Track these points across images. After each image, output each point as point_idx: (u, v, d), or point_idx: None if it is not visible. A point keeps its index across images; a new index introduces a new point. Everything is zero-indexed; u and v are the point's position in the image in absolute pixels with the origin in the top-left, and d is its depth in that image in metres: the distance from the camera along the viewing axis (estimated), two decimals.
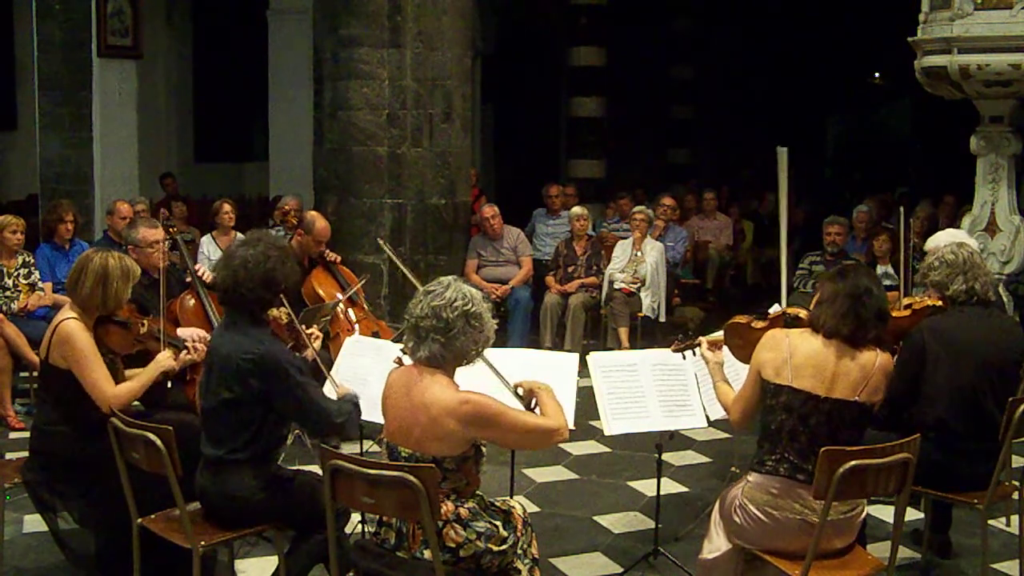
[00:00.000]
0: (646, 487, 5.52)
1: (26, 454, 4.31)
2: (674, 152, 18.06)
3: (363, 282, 6.70)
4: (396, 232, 8.32)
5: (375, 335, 6.14)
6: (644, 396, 4.35)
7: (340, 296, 6.46)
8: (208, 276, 5.68)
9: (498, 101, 15.73)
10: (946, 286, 4.26)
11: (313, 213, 6.92)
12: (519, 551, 3.33)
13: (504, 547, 3.26)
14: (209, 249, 8.16)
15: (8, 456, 5.52)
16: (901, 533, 3.58)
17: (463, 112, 8.61)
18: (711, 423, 4.47)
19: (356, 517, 4.28)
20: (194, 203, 11.88)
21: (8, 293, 6.89)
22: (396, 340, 4.58)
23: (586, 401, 4.53)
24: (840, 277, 3.60)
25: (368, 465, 3.14)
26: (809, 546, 3.33)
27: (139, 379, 4.18)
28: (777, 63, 18.36)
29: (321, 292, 6.41)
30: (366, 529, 3.37)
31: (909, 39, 7.52)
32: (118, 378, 4.18)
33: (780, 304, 4.99)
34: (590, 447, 6.29)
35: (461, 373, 3.32)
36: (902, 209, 6.22)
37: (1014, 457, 4.91)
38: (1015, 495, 4.34)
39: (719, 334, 4.12)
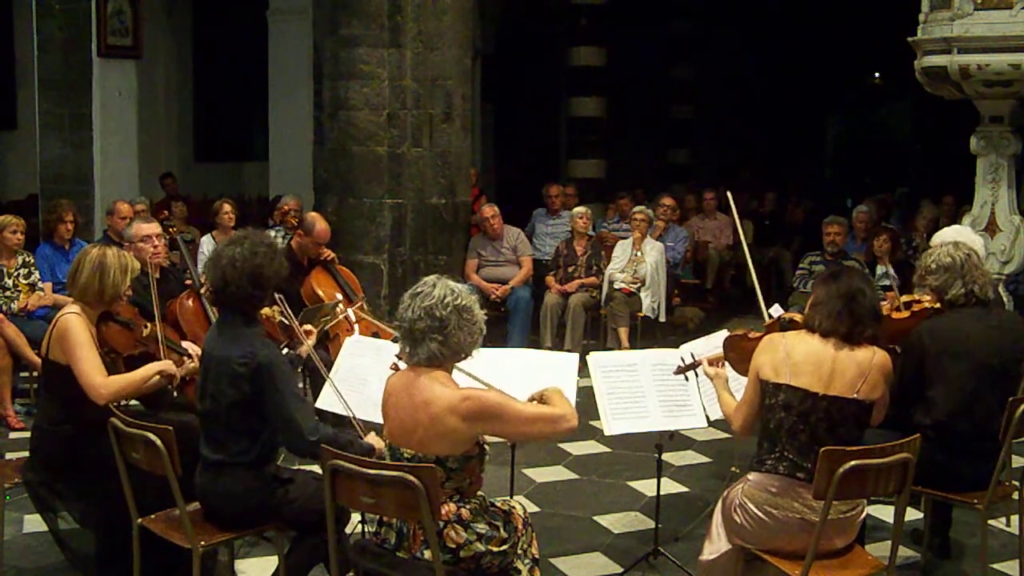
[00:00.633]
0: (646, 487, 5.52)
1: (26, 454, 4.31)
2: (674, 152, 18.06)
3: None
4: (396, 232, 8.32)
5: (375, 335, 6.14)
6: (644, 396, 4.35)
7: (339, 296, 6.45)
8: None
9: (498, 101, 15.72)
10: (945, 291, 4.26)
11: (313, 214, 6.91)
12: (519, 551, 3.33)
13: (504, 548, 3.26)
14: (209, 249, 8.16)
15: (8, 456, 5.52)
16: (901, 533, 3.58)
17: (463, 112, 8.61)
18: (711, 423, 4.47)
19: (356, 517, 4.28)
20: (194, 203, 11.88)
21: (8, 293, 6.89)
22: (396, 340, 4.58)
23: (586, 401, 4.52)
24: (832, 279, 3.61)
25: (368, 465, 3.14)
26: (809, 545, 3.33)
27: (133, 374, 4.17)
28: (777, 63, 18.37)
29: (320, 292, 6.41)
30: (366, 529, 3.36)
31: (909, 39, 7.52)
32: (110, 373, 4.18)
33: (762, 306, 4.98)
34: (590, 447, 6.29)
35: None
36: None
37: (1014, 457, 4.91)
38: (1015, 495, 4.34)
39: (719, 351, 4.10)
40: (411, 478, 3.01)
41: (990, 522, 4.48)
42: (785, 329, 3.76)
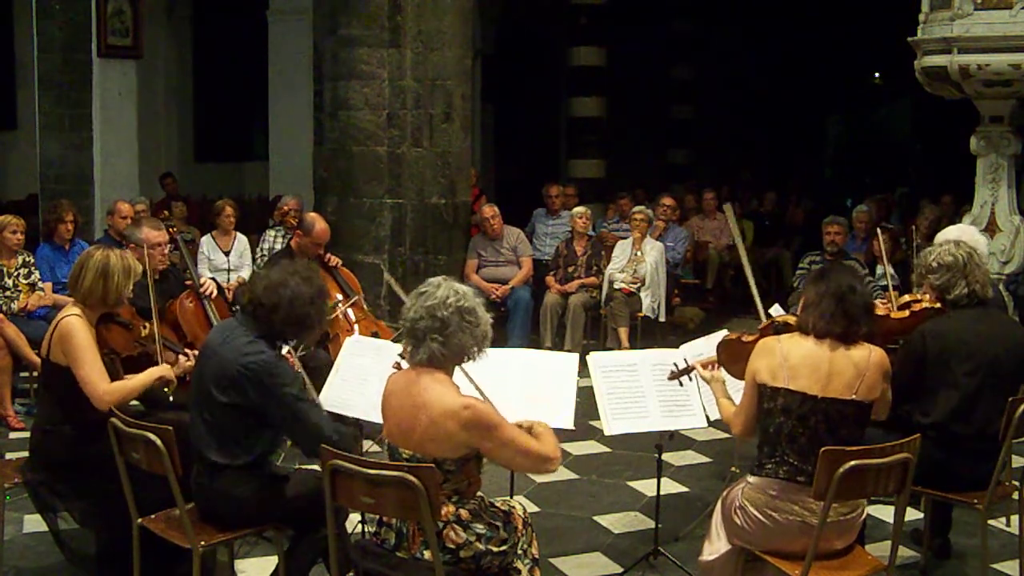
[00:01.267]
0: (646, 487, 5.52)
1: (26, 454, 4.31)
2: (674, 152, 18.07)
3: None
4: (396, 232, 8.32)
5: (375, 335, 6.15)
6: (644, 396, 4.35)
7: (339, 296, 6.46)
8: (212, 288, 5.68)
9: (498, 101, 15.73)
10: (947, 290, 4.24)
11: (313, 215, 6.92)
12: (519, 551, 3.33)
13: (504, 548, 3.26)
14: (209, 249, 8.17)
15: (8, 456, 5.51)
16: (901, 533, 3.58)
17: (463, 112, 8.61)
18: (711, 423, 4.47)
19: (356, 517, 4.28)
20: (194, 203, 11.89)
21: (8, 293, 6.89)
22: (396, 340, 4.58)
23: (586, 401, 4.52)
24: (822, 279, 3.59)
25: (368, 465, 3.13)
26: (809, 547, 3.33)
27: (135, 381, 4.17)
28: (777, 63, 18.37)
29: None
30: (366, 529, 3.36)
31: (909, 39, 7.53)
32: (116, 378, 4.18)
33: (759, 308, 4.98)
34: (590, 447, 6.29)
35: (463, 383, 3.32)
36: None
37: (1014, 457, 4.91)
38: (1015, 495, 4.35)
39: (712, 355, 4.09)
40: (411, 478, 3.01)
41: (990, 522, 4.48)
42: (779, 332, 3.73)
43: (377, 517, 3.29)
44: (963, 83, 7.27)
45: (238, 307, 3.93)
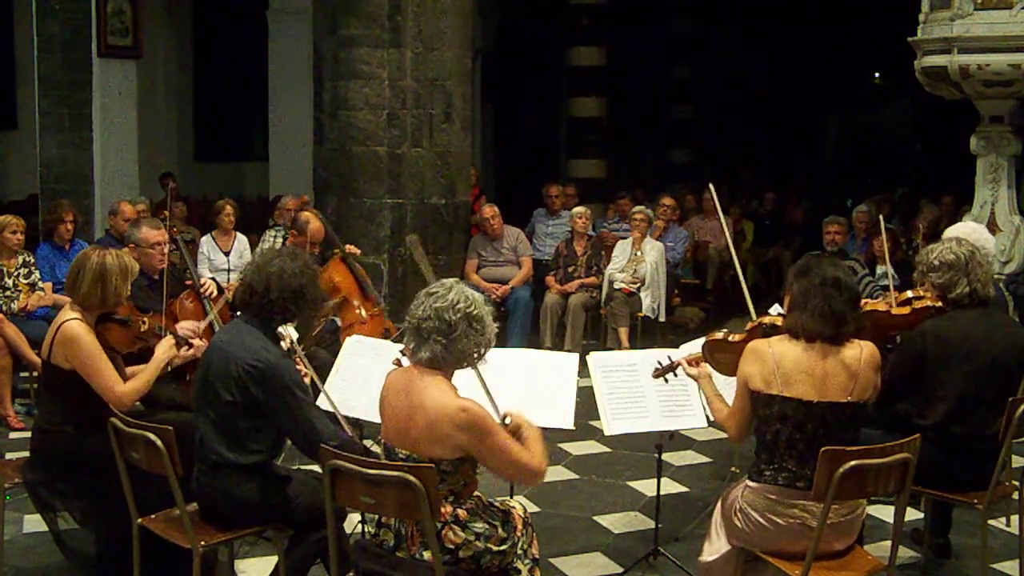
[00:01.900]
0: (646, 487, 5.52)
1: (26, 454, 4.31)
2: (674, 152, 18.07)
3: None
4: (396, 232, 8.33)
5: (386, 332, 6.18)
6: (644, 396, 4.35)
7: (355, 292, 6.55)
8: (212, 288, 5.69)
9: (498, 101, 15.73)
10: (949, 289, 4.22)
11: (306, 214, 6.96)
12: (519, 551, 3.33)
13: (503, 547, 3.25)
14: (209, 249, 8.16)
15: (8, 456, 5.52)
16: (901, 533, 3.58)
17: (463, 112, 8.61)
18: (711, 423, 4.46)
19: (355, 517, 4.28)
20: (194, 203, 11.88)
21: (8, 293, 6.89)
22: (396, 341, 4.58)
23: (586, 401, 4.52)
24: (804, 274, 3.54)
25: (368, 465, 3.13)
26: (808, 548, 3.32)
27: (145, 374, 4.18)
28: (777, 63, 18.37)
29: (339, 282, 6.47)
30: (366, 529, 3.36)
31: (909, 39, 7.52)
32: (120, 376, 4.18)
33: (749, 305, 4.96)
34: (590, 447, 6.29)
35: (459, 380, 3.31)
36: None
37: (1014, 457, 4.91)
38: (1015, 495, 4.35)
39: (697, 352, 4.07)
40: (411, 478, 3.01)
41: (990, 522, 4.48)
42: (767, 334, 3.67)
43: (376, 518, 3.29)
44: (963, 83, 7.26)
45: (239, 310, 3.92)
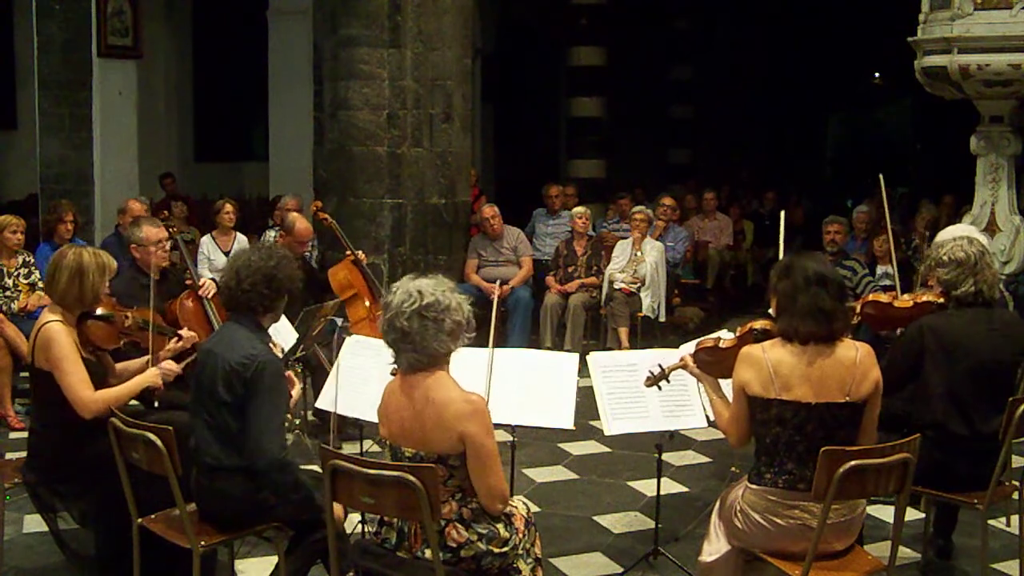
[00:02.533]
0: (646, 487, 5.52)
1: (26, 454, 4.30)
2: (674, 152, 18.07)
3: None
4: (396, 232, 8.33)
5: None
6: (644, 396, 4.34)
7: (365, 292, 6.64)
8: (211, 289, 5.69)
9: (498, 101, 15.73)
10: (955, 286, 4.21)
11: (294, 214, 7.08)
12: (521, 551, 3.32)
13: (505, 549, 3.25)
14: (209, 249, 8.16)
15: (8, 456, 5.52)
16: (901, 533, 3.58)
17: (463, 112, 8.61)
18: (711, 423, 4.46)
19: (356, 517, 4.28)
20: (194, 203, 11.88)
21: (8, 293, 6.89)
22: None
23: (586, 401, 4.53)
24: (787, 274, 3.50)
25: (368, 465, 3.13)
26: (808, 549, 3.32)
27: (123, 389, 4.15)
28: (777, 63, 18.38)
29: (351, 281, 6.77)
30: (366, 529, 3.36)
31: (909, 39, 7.52)
32: (107, 373, 4.18)
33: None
34: (590, 447, 6.29)
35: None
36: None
37: (1014, 457, 4.91)
38: (1015, 495, 4.34)
39: (689, 357, 4.02)
40: (411, 478, 3.01)
41: (990, 522, 4.47)
42: (759, 339, 3.63)
43: (378, 517, 3.29)
44: (963, 83, 7.26)
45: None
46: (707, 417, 4.39)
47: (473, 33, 9.34)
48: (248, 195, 13.64)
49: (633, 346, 8.07)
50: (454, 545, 3.19)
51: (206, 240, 8.29)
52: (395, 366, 3.34)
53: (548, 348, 8.08)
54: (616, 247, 8.95)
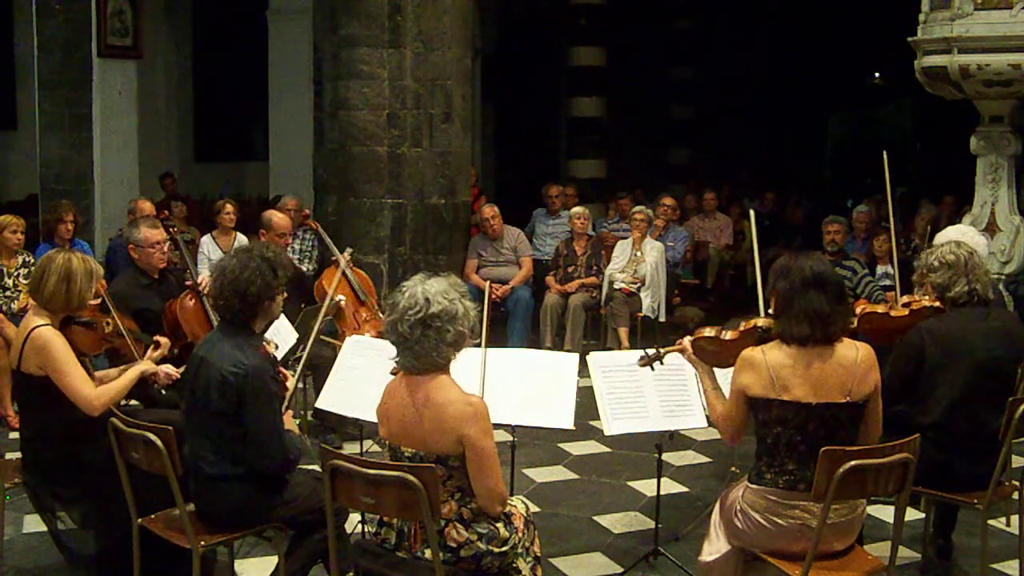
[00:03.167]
0: (646, 487, 5.52)
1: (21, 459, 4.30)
2: (674, 152, 18.07)
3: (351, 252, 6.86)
4: (396, 232, 8.33)
5: (382, 335, 6.18)
6: (644, 396, 4.34)
7: (340, 298, 6.49)
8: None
9: (498, 101, 15.73)
10: (948, 288, 4.23)
11: (269, 211, 7.06)
12: (520, 550, 3.33)
13: (505, 548, 3.25)
14: (209, 249, 8.14)
15: (8, 456, 5.51)
16: (901, 533, 3.58)
17: (463, 112, 8.61)
18: (711, 423, 4.46)
19: (356, 517, 4.28)
20: (194, 203, 11.88)
21: (8, 293, 6.89)
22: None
23: (586, 401, 4.52)
24: (784, 275, 3.50)
25: (368, 465, 3.13)
26: (808, 549, 3.32)
27: (120, 382, 4.15)
28: (777, 63, 18.37)
29: (329, 289, 6.48)
30: (366, 529, 3.36)
31: (909, 39, 7.52)
32: (91, 379, 4.16)
33: (761, 306, 4.93)
34: (590, 447, 6.29)
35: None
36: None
37: (1014, 457, 4.91)
38: (1015, 495, 4.34)
39: (687, 340, 4.00)
40: (411, 478, 3.01)
41: (990, 522, 4.48)
42: (762, 339, 3.62)
43: (378, 517, 3.29)
44: (963, 83, 7.26)
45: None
46: (707, 417, 4.39)
47: (473, 33, 9.34)
48: (248, 195, 13.64)
49: (633, 346, 8.06)
50: (454, 545, 3.19)
51: (206, 240, 8.27)
52: (396, 365, 3.35)
53: (548, 348, 8.08)
54: (616, 247, 8.95)
